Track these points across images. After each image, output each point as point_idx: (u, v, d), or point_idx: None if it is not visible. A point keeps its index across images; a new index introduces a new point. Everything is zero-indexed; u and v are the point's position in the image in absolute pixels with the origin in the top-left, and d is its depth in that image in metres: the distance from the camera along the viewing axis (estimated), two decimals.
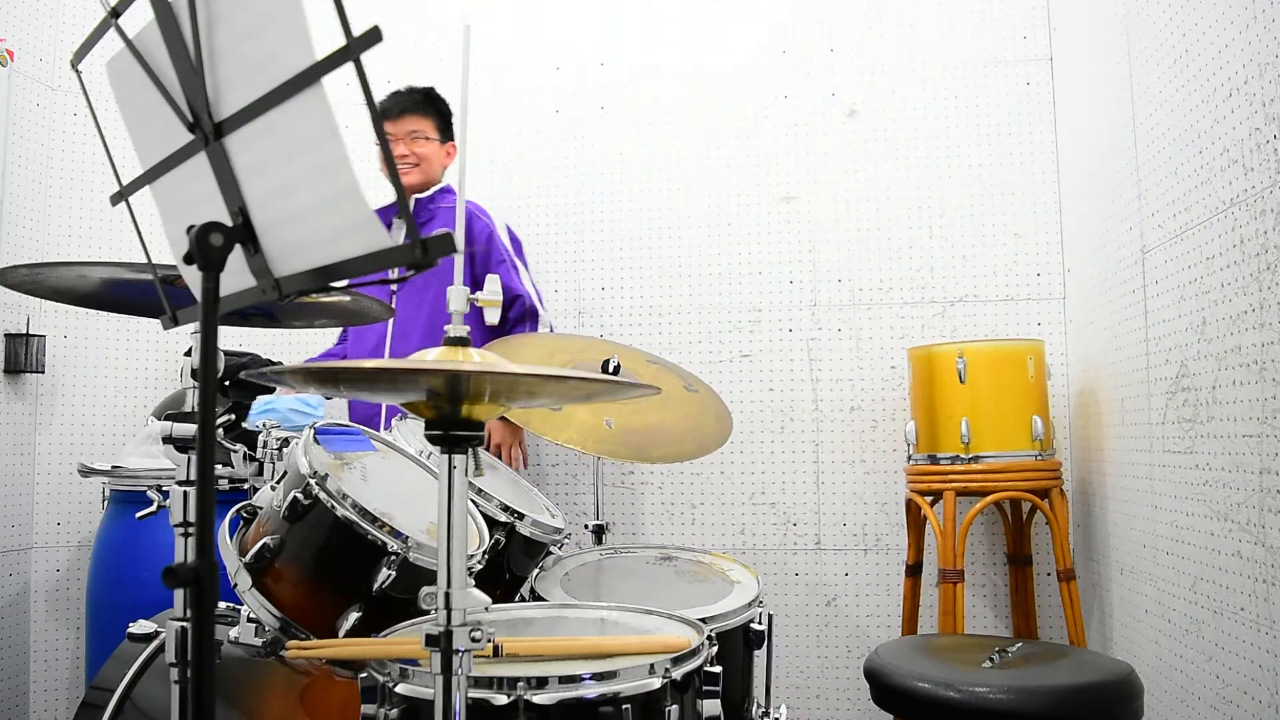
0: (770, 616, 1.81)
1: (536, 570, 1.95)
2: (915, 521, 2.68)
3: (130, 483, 2.61)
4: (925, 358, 2.58)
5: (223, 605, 1.61)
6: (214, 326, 0.95)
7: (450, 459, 1.12)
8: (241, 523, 1.71)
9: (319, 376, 1.15)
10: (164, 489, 2.43)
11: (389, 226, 2.45)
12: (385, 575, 1.54)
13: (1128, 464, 2.30)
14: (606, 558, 2.10)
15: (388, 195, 2.59)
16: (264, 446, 1.74)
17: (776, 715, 1.80)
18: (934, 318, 2.89)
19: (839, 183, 2.97)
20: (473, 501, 1.77)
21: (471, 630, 1.09)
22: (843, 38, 3.00)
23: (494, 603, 1.42)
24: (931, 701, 1.71)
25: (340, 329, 2.84)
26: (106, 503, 2.69)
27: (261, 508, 1.67)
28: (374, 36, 0.84)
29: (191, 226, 0.95)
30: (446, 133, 2.70)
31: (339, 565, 1.58)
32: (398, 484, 1.82)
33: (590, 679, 1.25)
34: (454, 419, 1.13)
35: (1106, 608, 2.53)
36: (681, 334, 3.01)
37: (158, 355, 3.14)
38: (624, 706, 1.23)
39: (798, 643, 2.88)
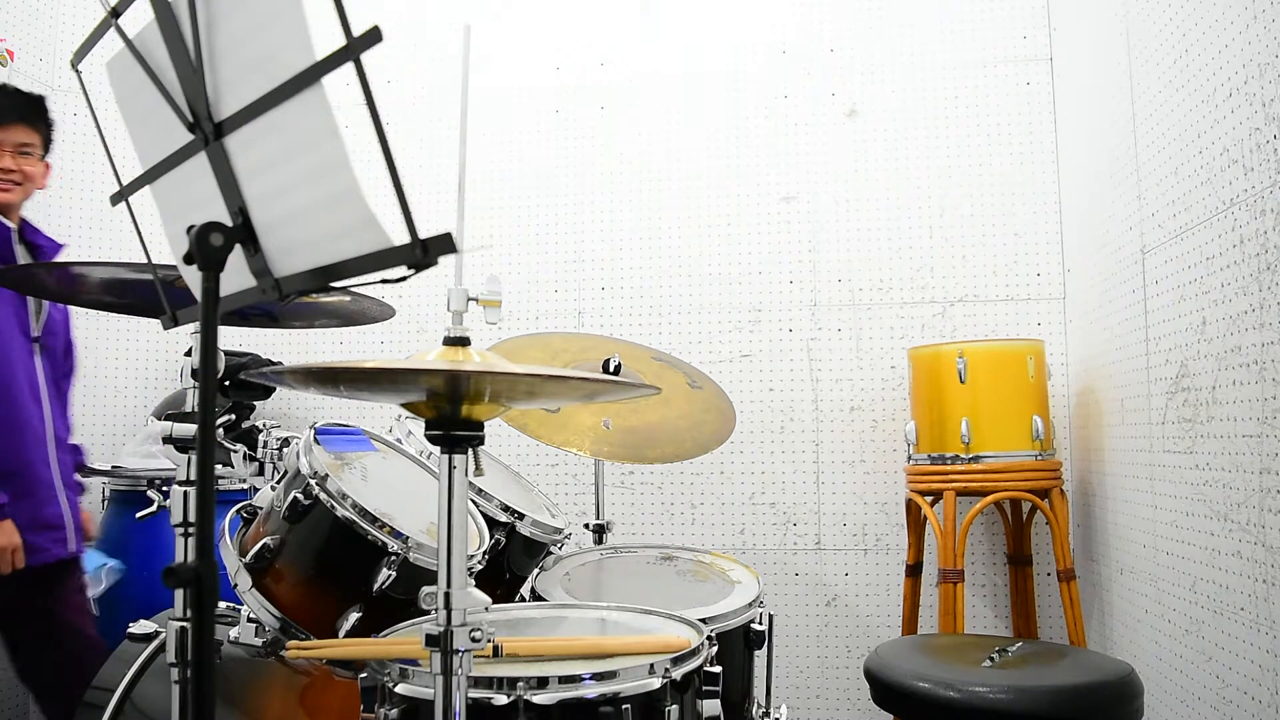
0: (771, 617, 1.81)
1: (537, 570, 1.95)
2: (915, 521, 2.68)
3: (130, 483, 2.61)
4: (925, 358, 2.58)
5: (223, 605, 1.60)
6: (214, 326, 0.95)
7: (450, 459, 1.12)
8: (241, 523, 1.71)
9: (319, 377, 1.15)
10: (165, 489, 2.44)
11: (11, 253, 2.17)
12: (385, 575, 1.54)
13: (1128, 464, 2.30)
14: (607, 558, 2.10)
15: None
16: (264, 446, 1.73)
17: (776, 715, 1.80)
18: (934, 318, 2.89)
19: (839, 183, 2.97)
20: (473, 501, 1.77)
21: (471, 630, 1.09)
22: (843, 38, 3.00)
23: (494, 603, 1.41)
24: (931, 701, 1.71)
25: None
26: (106, 503, 2.69)
27: (261, 508, 1.67)
28: (374, 36, 0.84)
29: (191, 226, 0.95)
30: (48, 148, 2.28)
31: (339, 565, 1.58)
32: (398, 484, 1.82)
33: (590, 679, 1.25)
34: (454, 419, 1.13)
35: (1106, 608, 2.53)
36: (681, 334, 3.01)
37: (158, 355, 3.14)
38: (624, 706, 1.24)
39: (798, 643, 2.88)
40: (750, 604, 1.77)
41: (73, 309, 2.35)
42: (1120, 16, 2.25)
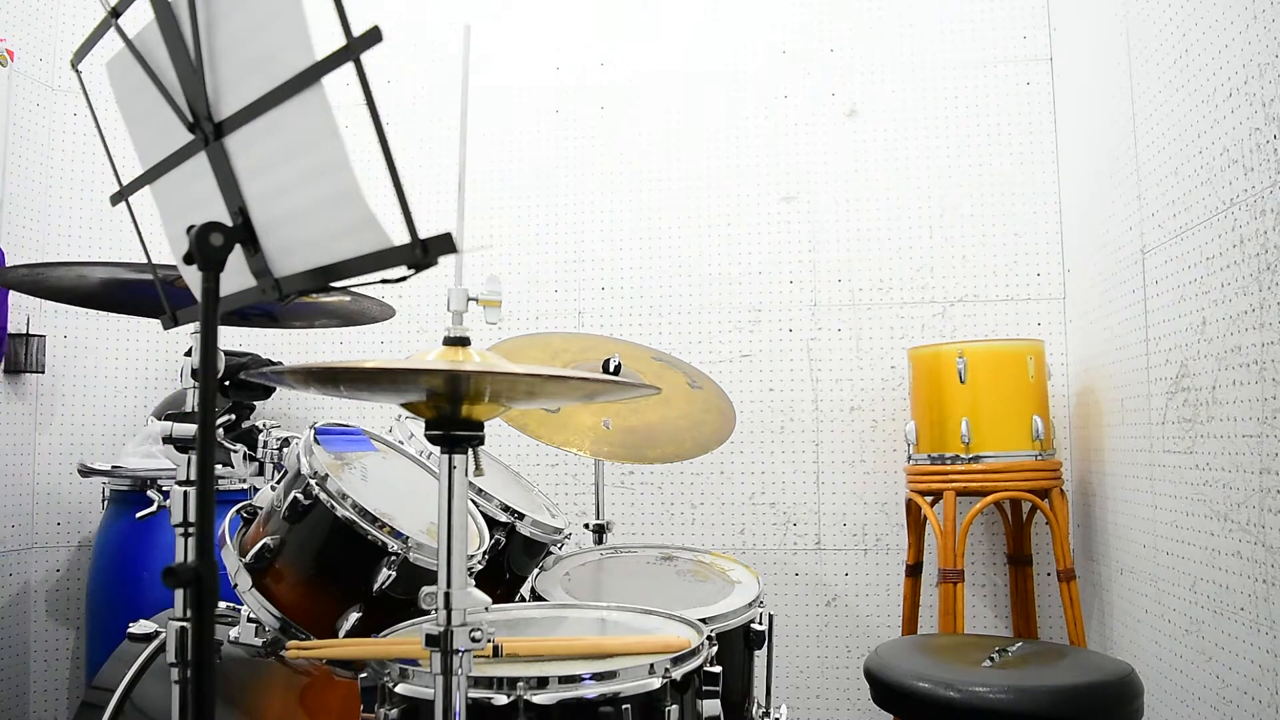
0: (771, 617, 1.81)
1: (537, 570, 1.95)
2: (915, 521, 2.68)
3: (130, 483, 2.61)
4: (925, 358, 2.58)
5: (223, 605, 1.61)
6: (214, 326, 0.95)
7: (450, 459, 1.12)
8: (241, 523, 1.71)
9: (319, 377, 1.15)
10: (164, 489, 2.44)
11: None
12: (385, 575, 1.54)
13: (1128, 464, 2.30)
14: (607, 557, 2.10)
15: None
16: (264, 446, 1.74)
17: (776, 715, 1.80)
18: (934, 318, 2.89)
19: (839, 183, 2.97)
20: (473, 501, 1.77)
21: (471, 630, 1.09)
22: (843, 38, 3.00)
23: (494, 603, 1.42)
24: (931, 701, 1.71)
25: None
26: (106, 503, 2.69)
27: (261, 508, 1.67)
28: (374, 36, 0.84)
29: (191, 226, 0.95)
30: None
31: (339, 565, 1.58)
32: (398, 484, 1.82)
33: (590, 679, 1.25)
34: (454, 419, 1.13)
35: (1106, 608, 2.53)
36: (681, 334, 3.01)
37: (158, 355, 3.14)
38: (624, 706, 1.24)
39: (798, 643, 2.88)
40: (750, 604, 1.77)
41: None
42: (1120, 16, 2.25)
